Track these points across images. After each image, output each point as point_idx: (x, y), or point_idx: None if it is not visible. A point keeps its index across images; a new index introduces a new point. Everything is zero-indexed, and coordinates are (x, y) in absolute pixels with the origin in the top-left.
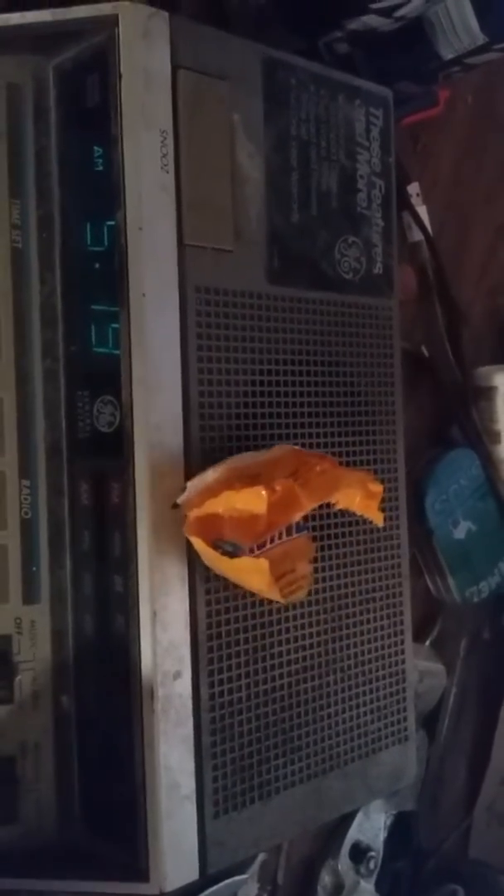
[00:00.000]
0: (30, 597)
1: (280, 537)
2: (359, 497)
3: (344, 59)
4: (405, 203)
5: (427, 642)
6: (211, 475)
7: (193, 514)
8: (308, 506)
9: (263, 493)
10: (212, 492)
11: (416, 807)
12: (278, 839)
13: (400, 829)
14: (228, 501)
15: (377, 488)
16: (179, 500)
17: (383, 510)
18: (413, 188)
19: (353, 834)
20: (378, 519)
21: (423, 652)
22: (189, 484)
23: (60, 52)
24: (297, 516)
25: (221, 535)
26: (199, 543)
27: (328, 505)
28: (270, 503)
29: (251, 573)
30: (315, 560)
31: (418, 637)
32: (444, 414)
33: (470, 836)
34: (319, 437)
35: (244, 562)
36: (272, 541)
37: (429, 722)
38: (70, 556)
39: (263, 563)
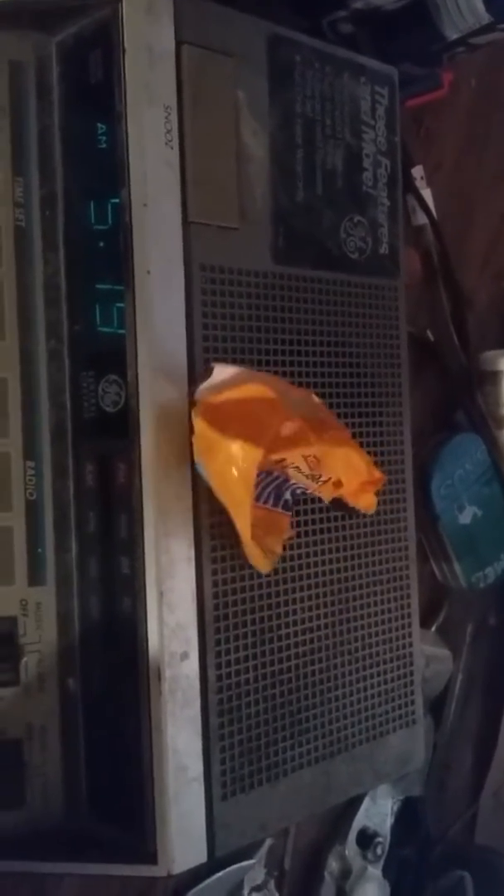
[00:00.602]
0: (35, 579)
1: (267, 500)
2: (358, 482)
3: (348, 40)
4: (409, 186)
5: (433, 628)
6: (236, 372)
7: (207, 399)
8: (314, 448)
9: (281, 406)
10: (231, 385)
11: (423, 792)
12: (286, 822)
13: (407, 814)
14: (245, 392)
15: (379, 475)
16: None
17: (388, 493)
18: (417, 171)
19: (360, 819)
20: (370, 505)
21: (430, 637)
22: (216, 368)
23: (63, 28)
24: (300, 453)
25: (225, 430)
26: (202, 427)
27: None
28: (282, 422)
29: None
30: (322, 541)
31: (424, 623)
32: (449, 399)
33: (476, 822)
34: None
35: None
36: (259, 498)
37: (435, 707)
38: (76, 538)
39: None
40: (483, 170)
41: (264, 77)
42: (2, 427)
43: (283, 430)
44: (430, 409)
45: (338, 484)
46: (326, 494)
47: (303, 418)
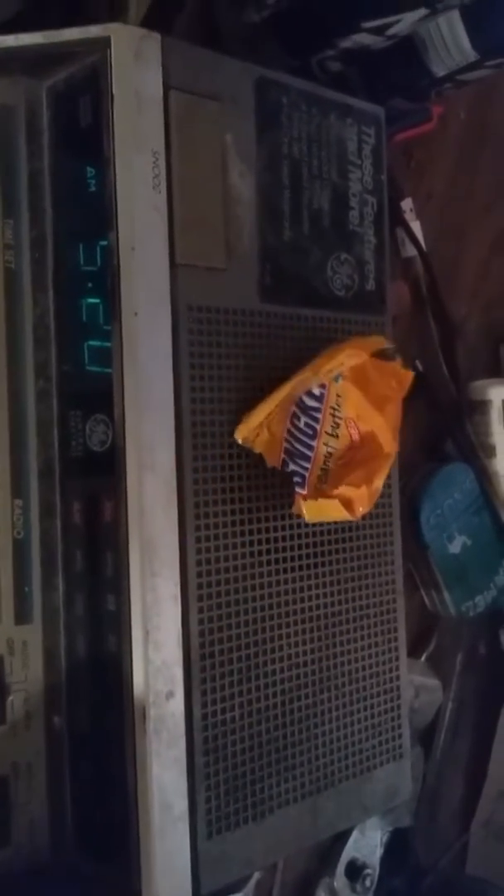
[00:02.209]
0: (22, 617)
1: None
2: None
3: (336, 77)
4: (399, 219)
5: (423, 657)
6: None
7: None
8: None
9: None
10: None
11: (412, 823)
12: (272, 858)
13: (396, 845)
14: None
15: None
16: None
17: (375, 525)
18: (406, 204)
19: (349, 851)
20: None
21: (419, 667)
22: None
23: (53, 73)
24: None
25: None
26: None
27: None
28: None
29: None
30: (309, 576)
31: (414, 652)
32: (438, 428)
33: (467, 851)
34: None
35: None
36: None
37: (425, 737)
38: (62, 576)
39: None
40: (472, 200)
41: (252, 120)
42: None
43: None
44: (420, 438)
45: None
46: None
47: None
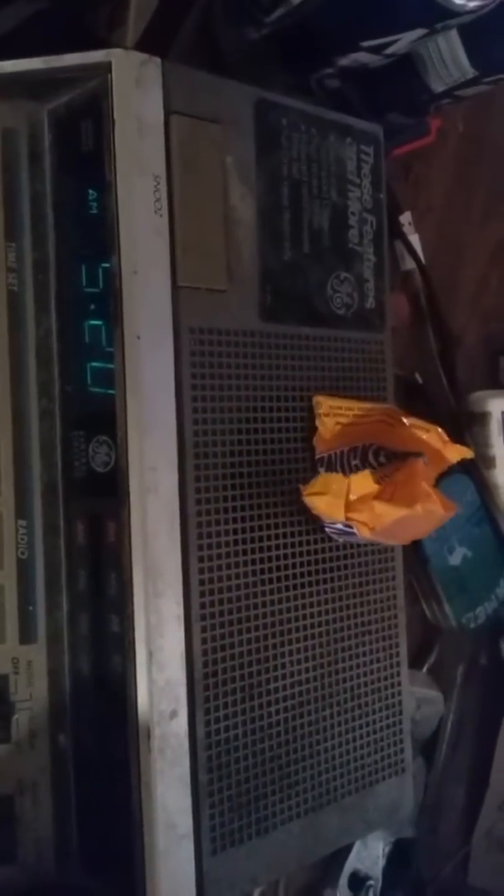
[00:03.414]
0: (26, 636)
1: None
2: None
3: (335, 93)
4: (398, 232)
5: (424, 669)
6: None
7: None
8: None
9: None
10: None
11: (414, 834)
12: (276, 874)
13: (398, 856)
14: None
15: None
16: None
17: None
18: (405, 217)
19: (351, 863)
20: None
21: (421, 679)
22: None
23: (55, 97)
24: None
25: None
26: None
27: (327, 539)
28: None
29: None
30: (311, 594)
31: (415, 664)
32: None
33: (469, 862)
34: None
35: None
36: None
37: (426, 749)
38: (66, 596)
39: None
40: (471, 212)
41: (252, 142)
42: None
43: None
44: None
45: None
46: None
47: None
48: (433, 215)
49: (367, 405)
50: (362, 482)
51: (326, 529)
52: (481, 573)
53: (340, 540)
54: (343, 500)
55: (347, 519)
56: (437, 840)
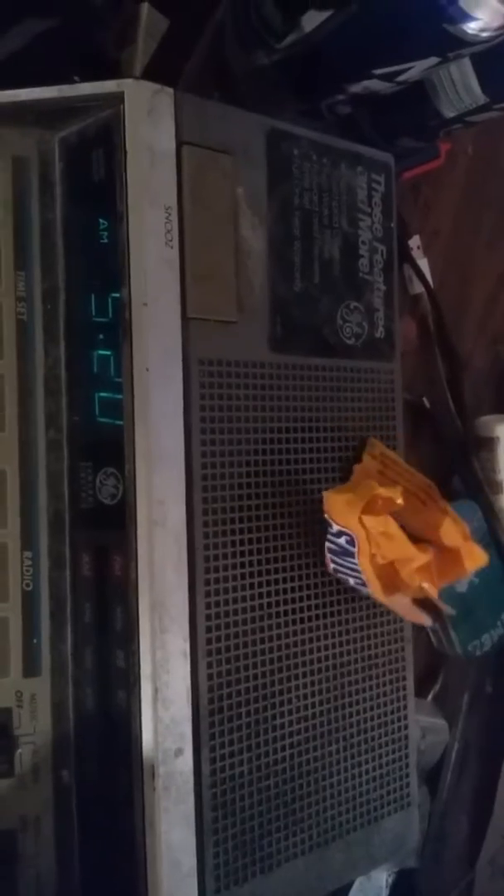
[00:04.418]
0: (30, 670)
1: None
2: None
3: (345, 119)
4: (406, 256)
5: (429, 697)
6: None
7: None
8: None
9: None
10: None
11: (417, 863)
12: None
13: (402, 886)
14: None
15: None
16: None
17: None
18: (414, 241)
19: (354, 894)
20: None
21: (426, 707)
22: None
23: (67, 125)
24: None
25: None
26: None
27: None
28: None
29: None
30: (318, 627)
31: (421, 691)
32: (445, 465)
33: (473, 890)
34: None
35: None
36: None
37: (431, 777)
38: (71, 629)
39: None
40: (480, 235)
41: (263, 172)
42: (0, 517)
43: None
44: (427, 475)
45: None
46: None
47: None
48: (441, 238)
49: (413, 471)
50: (392, 496)
51: (328, 558)
52: (488, 600)
53: (336, 571)
54: (363, 501)
55: (360, 520)
56: (440, 868)
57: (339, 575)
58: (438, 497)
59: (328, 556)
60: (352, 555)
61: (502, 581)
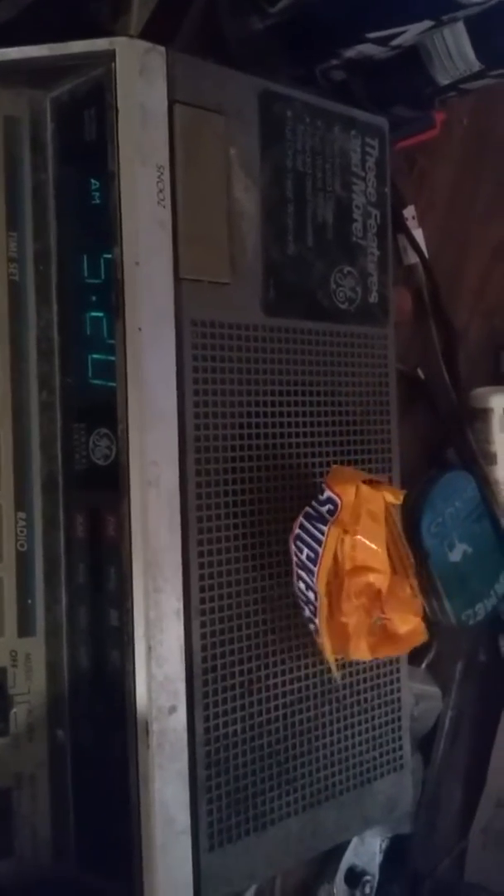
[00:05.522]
0: (25, 629)
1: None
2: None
3: (340, 85)
4: (401, 226)
5: (423, 665)
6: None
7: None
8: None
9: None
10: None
11: (411, 830)
12: (273, 871)
13: (395, 852)
14: None
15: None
16: None
17: None
18: (409, 211)
19: (348, 858)
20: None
21: (419, 675)
22: None
23: (58, 85)
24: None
25: None
26: None
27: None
28: None
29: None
30: None
31: (414, 660)
32: (439, 436)
33: (466, 858)
34: (315, 467)
35: None
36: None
37: (424, 745)
38: (65, 590)
39: None
40: (475, 207)
41: (256, 133)
42: None
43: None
44: (421, 446)
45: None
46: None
47: None
48: (437, 209)
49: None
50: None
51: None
52: (481, 569)
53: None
54: (368, 479)
55: (357, 487)
56: (433, 836)
57: (297, 571)
58: (411, 572)
59: (295, 530)
60: (325, 522)
61: (496, 551)
